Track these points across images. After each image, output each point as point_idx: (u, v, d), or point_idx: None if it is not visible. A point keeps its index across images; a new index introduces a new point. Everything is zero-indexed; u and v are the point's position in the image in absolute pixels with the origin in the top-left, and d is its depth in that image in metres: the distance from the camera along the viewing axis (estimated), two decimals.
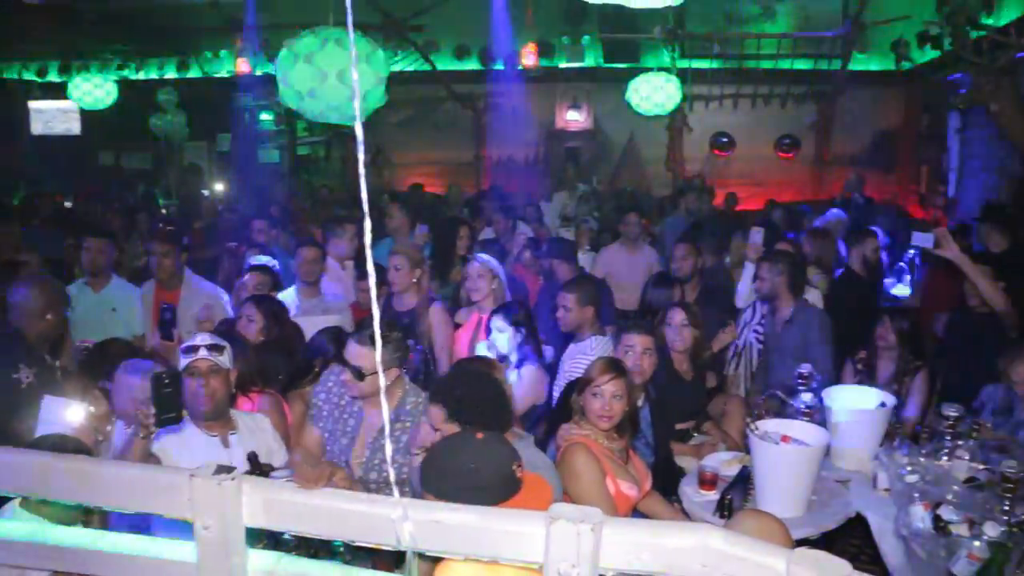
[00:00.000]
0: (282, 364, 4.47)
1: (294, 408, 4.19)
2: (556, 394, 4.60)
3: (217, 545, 2.03)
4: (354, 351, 3.56)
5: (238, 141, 15.46)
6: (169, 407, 3.09)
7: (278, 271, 6.19)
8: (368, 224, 2.00)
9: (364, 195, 1.92)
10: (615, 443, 3.61)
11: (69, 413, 3.50)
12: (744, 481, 3.93)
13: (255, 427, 3.62)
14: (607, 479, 3.41)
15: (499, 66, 14.04)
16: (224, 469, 2.02)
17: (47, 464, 2.20)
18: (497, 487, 2.47)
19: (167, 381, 3.10)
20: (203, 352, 3.44)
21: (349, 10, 1.83)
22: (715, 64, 13.83)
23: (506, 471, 2.50)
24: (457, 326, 5.36)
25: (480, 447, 2.54)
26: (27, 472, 2.20)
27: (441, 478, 2.49)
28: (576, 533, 1.82)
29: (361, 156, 1.87)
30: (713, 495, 3.95)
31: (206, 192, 14.59)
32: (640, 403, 4.12)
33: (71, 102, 13.20)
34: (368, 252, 1.91)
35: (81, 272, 6.00)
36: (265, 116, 15.13)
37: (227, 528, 2.02)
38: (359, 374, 3.53)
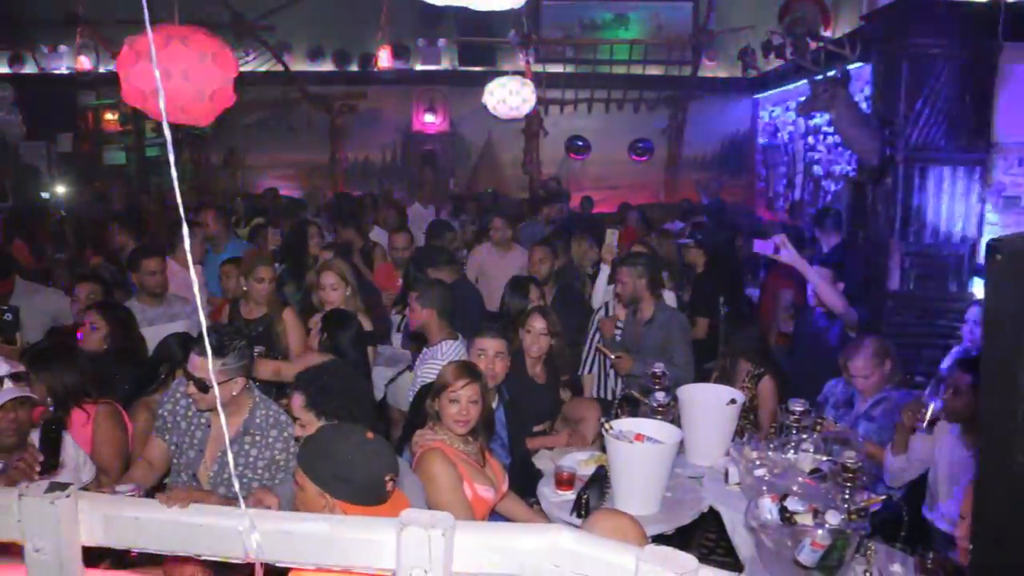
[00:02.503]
0: (127, 373, 4.28)
1: (138, 418, 4.01)
2: (409, 398, 4.59)
3: (50, 568, 1.92)
4: (195, 362, 3.41)
5: (81, 141, 14.75)
6: (55, 452, 3.03)
7: (112, 278, 5.98)
8: (186, 231, 1.94)
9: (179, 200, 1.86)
10: (471, 446, 3.60)
11: None
12: (600, 480, 3.99)
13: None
14: (464, 483, 3.40)
15: (354, 67, 13.92)
16: (58, 486, 1.92)
17: None
18: (364, 489, 2.47)
19: (55, 427, 3.01)
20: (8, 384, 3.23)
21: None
22: (569, 68, 14.10)
23: (378, 478, 2.50)
24: (310, 330, 5.26)
25: (364, 444, 2.55)
26: None
27: (316, 457, 2.52)
28: (427, 538, 1.82)
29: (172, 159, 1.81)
30: (570, 495, 4.00)
31: (46, 195, 13.87)
32: (495, 404, 4.13)
33: None
34: (190, 258, 1.85)
35: None
36: (110, 116, 14.50)
37: (61, 549, 1.91)
38: (202, 386, 3.41)
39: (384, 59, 13.28)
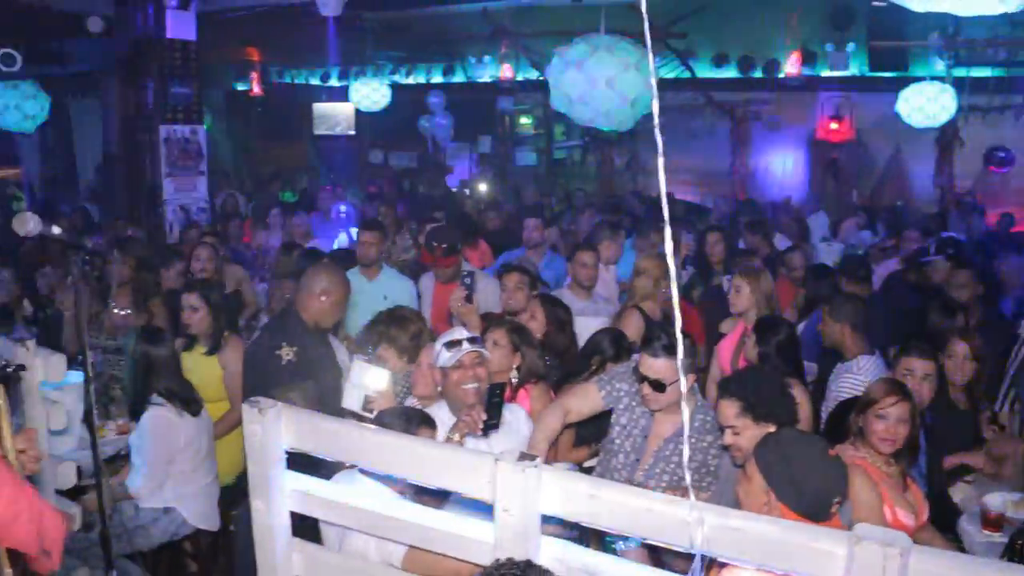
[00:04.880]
0: (554, 363, 4.62)
1: None
2: (823, 414, 4.46)
3: (514, 528, 2.12)
4: (650, 364, 3.52)
5: (498, 143, 16.07)
6: (495, 415, 3.26)
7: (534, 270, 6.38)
8: (668, 231, 2.03)
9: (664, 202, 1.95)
10: (892, 468, 3.44)
11: (371, 378, 3.77)
12: None
13: (511, 418, 3.72)
14: (884, 505, 3.26)
15: (759, 74, 13.73)
16: (526, 456, 2.11)
17: (365, 436, 2.39)
18: (811, 502, 2.49)
19: (498, 392, 3.28)
20: (466, 345, 3.58)
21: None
22: (997, 72, 12.83)
23: (827, 496, 2.52)
24: (721, 335, 5.30)
25: (824, 460, 2.58)
26: (359, 444, 2.38)
27: (775, 455, 2.57)
28: (883, 556, 1.77)
29: (661, 162, 1.88)
30: (1000, 537, 3.67)
31: (467, 191, 15.27)
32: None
33: (350, 104, 14.22)
34: (670, 258, 1.94)
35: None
36: (524, 120, 15.62)
37: (526, 513, 2.11)
38: (659, 385, 3.53)
39: (791, 65, 12.98)
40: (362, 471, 2.87)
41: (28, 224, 2.72)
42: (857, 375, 4.55)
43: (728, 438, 3.31)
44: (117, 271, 5.97)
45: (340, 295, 4.53)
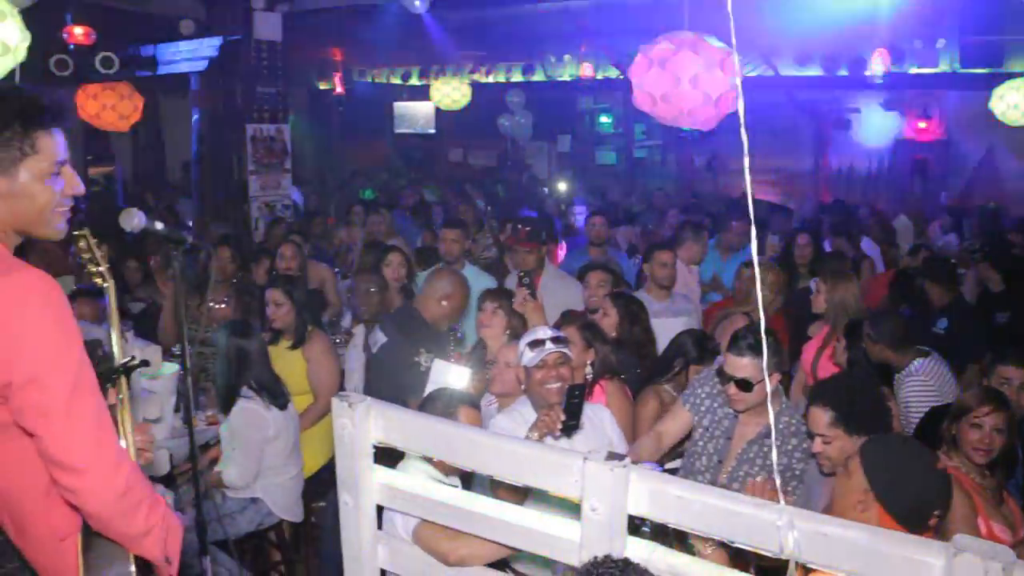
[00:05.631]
0: (631, 362, 4.59)
1: (647, 403, 4.28)
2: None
3: (601, 527, 2.12)
4: (736, 363, 3.49)
5: (577, 142, 16.05)
6: (574, 416, 3.27)
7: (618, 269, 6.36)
8: (753, 231, 2.01)
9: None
10: (987, 480, 3.35)
11: (453, 376, 3.81)
12: None
13: (595, 418, 3.70)
14: (978, 518, 3.16)
15: (843, 72, 13.42)
16: (615, 456, 2.11)
17: (454, 432, 2.41)
18: (910, 510, 2.46)
19: (577, 393, 3.29)
20: (549, 345, 3.59)
21: None
22: None
23: (928, 508, 2.49)
24: (807, 338, 5.21)
25: (932, 471, 2.55)
26: (447, 439, 2.40)
27: (880, 456, 2.55)
28: (983, 571, 1.71)
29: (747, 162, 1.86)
30: None
31: (546, 190, 15.29)
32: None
33: (430, 103, 14.36)
34: (756, 256, 1.91)
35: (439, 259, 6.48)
36: (604, 119, 15.57)
37: (613, 512, 2.10)
38: (746, 384, 3.49)
39: (878, 63, 12.66)
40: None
41: (133, 219, 2.81)
42: (918, 376, 4.45)
43: (817, 446, 3.26)
44: (219, 267, 6.15)
45: (459, 301, 4.65)
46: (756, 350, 3.38)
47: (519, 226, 5.85)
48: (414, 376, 4.34)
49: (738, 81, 1.81)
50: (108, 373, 2.39)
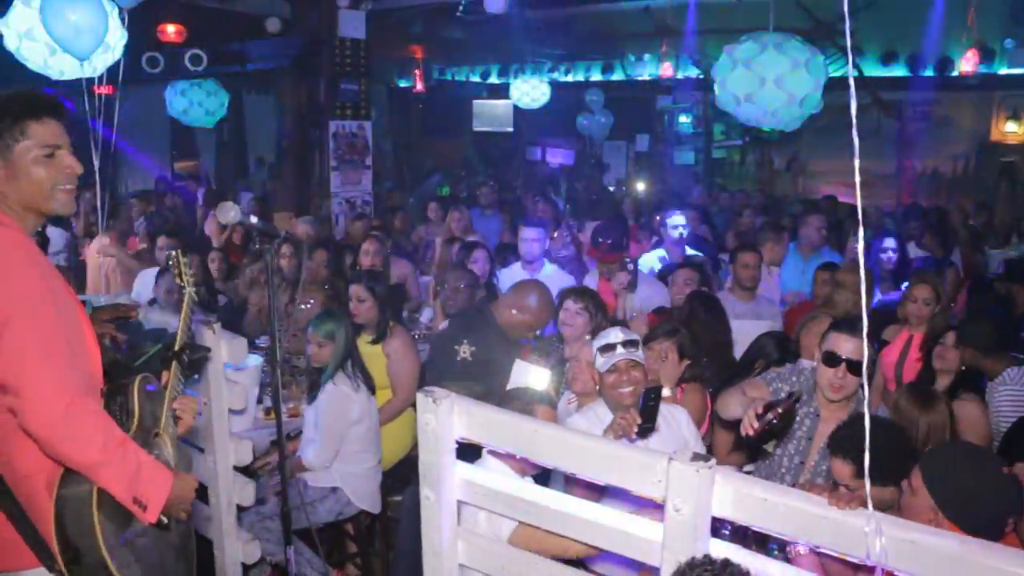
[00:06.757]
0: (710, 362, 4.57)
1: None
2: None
3: (685, 528, 2.12)
4: (845, 342, 3.39)
5: (655, 142, 15.95)
6: (650, 418, 3.26)
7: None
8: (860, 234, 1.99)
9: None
10: None
11: (533, 377, 3.84)
12: None
13: (671, 419, 3.68)
14: None
15: (929, 72, 13.07)
16: (700, 457, 2.10)
17: (538, 429, 2.43)
18: (980, 520, 2.39)
19: (653, 396, 3.28)
20: (620, 350, 3.58)
21: None
22: None
23: (999, 515, 2.45)
24: (884, 343, 5.11)
25: (997, 478, 2.50)
26: (530, 436, 2.42)
27: (941, 469, 2.50)
28: None
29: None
30: None
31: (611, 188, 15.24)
32: None
33: (508, 102, 14.41)
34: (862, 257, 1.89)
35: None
36: (683, 119, 15.44)
37: (697, 513, 2.10)
38: (855, 366, 3.36)
39: (967, 62, 12.29)
40: (490, 452, 2.94)
41: (229, 213, 2.90)
42: (1011, 385, 4.39)
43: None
44: (312, 269, 6.27)
45: (534, 317, 4.64)
46: (860, 332, 3.29)
47: (599, 239, 5.86)
48: (449, 362, 4.44)
49: (851, 81, 1.79)
50: (161, 356, 2.74)
